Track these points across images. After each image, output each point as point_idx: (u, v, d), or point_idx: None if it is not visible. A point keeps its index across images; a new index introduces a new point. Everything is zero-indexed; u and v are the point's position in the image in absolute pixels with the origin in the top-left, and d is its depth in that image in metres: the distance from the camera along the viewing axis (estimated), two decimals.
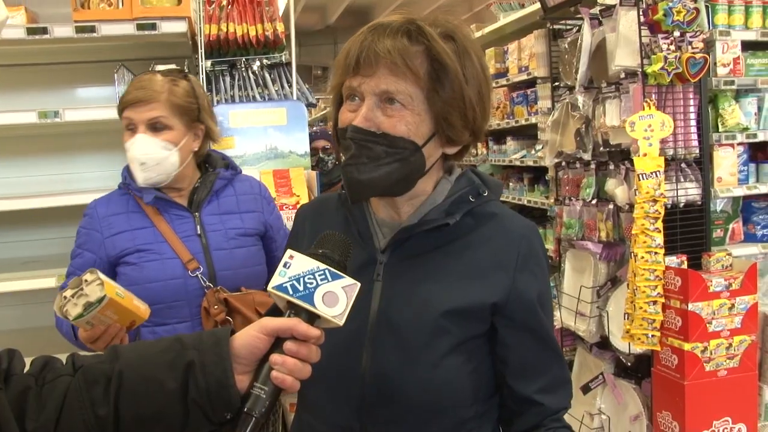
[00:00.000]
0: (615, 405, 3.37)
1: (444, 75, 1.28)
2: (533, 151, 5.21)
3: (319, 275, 1.07)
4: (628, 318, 3.08)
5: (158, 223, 2.10)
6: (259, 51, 3.27)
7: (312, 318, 1.07)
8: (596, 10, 3.41)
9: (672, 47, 3.00)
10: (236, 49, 3.20)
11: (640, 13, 3.06)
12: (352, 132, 1.28)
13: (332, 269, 1.09)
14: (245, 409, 1.03)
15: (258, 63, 3.26)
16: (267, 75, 3.24)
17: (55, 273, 2.86)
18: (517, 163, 5.46)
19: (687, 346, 2.89)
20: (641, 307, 3.00)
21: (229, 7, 3.12)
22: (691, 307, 2.89)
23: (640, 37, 3.04)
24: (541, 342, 1.40)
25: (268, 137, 3.14)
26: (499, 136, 5.95)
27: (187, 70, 2.03)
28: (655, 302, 2.99)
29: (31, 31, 2.73)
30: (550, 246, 4.69)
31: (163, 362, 1.08)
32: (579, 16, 3.53)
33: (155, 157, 2.03)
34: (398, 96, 1.27)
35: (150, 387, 1.06)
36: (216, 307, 2.06)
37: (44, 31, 2.73)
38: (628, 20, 3.12)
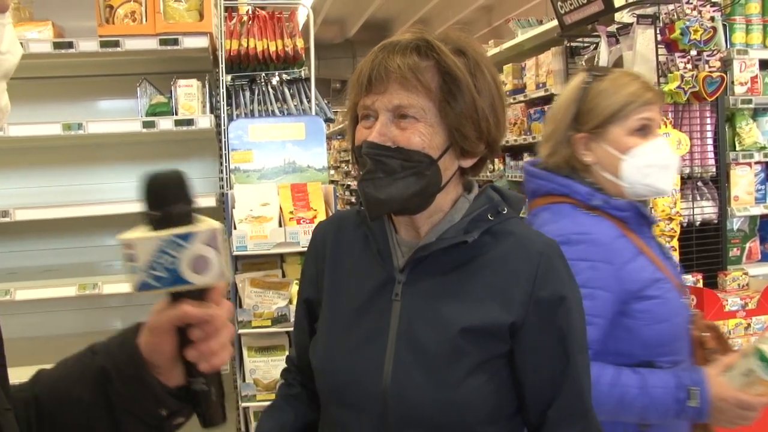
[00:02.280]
0: None
1: (455, 87, 1.29)
2: None
3: (171, 248, 0.87)
4: None
5: (638, 243, 1.73)
6: (279, 66, 3.30)
7: (198, 293, 0.91)
8: (613, 28, 3.43)
9: (689, 66, 3.02)
10: (256, 64, 3.24)
11: (657, 31, 3.08)
12: (367, 148, 1.30)
13: (178, 232, 0.87)
14: (199, 409, 0.96)
15: (277, 78, 3.30)
16: (286, 90, 3.28)
17: (75, 282, 2.90)
18: None
19: None
20: None
21: (250, 22, 3.16)
22: None
23: (657, 55, 3.06)
24: (563, 375, 1.33)
25: (287, 152, 3.17)
26: (517, 152, 5.94)
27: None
28: None
29: (57, 45, 2.79)
30: None
31: (75, 376, 1.00)
32: (596, 33, 3.55)
33: None
34: (411, 110, 1.28)
35: (67, 405, 0.98)
36: (706, 334, 1.77)
37: (70, 45, 2.79)
38: (645, 38, 3.14)
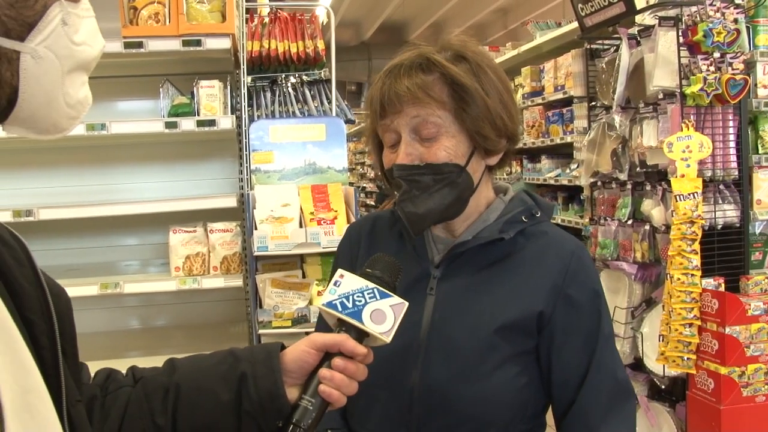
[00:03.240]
0: (648, 428, 3.33)
1: (465, 94, 1.33)
2: (568, 170, 5.20)
3: (368, 293, 1.12)
4: (663, 340, 3.05)
5: None
6: (300, 67, 3.31)
7: (361, 336, 1.11)
8: (634, 30, 3.41)
9: (712, 68, 2.99)
10: (277, 65, 3.26)
11: (680, 33, 3.05)
12: (398, 170, 1.35)
13: (381, 288, 1.13)
14: (293, 421, 1.07)
15: (298, 79, 3.31)
16: (307, 91, 3.29)
17: (97, 281, 2.92)
18: (552, 181, 5.45)
19: (723, 370, 2.85)
20: (677, 329, 2.97)
21: (271, 24, 3.17)
22: (728, 330, 2.86)
23: (679, 57, 3.04)
24: (590, 366, 1.36)
25: (307, 152, 3.18)
26: (534, 154, 5.94)
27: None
28: (690, 324, 2.96)
29: None
30: None
31: (217, 374, 1.13)
32: (617, 35, 3.53)
33: None
34: (431, 123, 1.32)
35: (205, 398, 1.11)
36: None
37: None
38: (667, 41, 3.12)
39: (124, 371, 1.18)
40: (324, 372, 1.09)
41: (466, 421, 1.33)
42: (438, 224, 1.43)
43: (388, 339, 1.10)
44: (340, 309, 1.10)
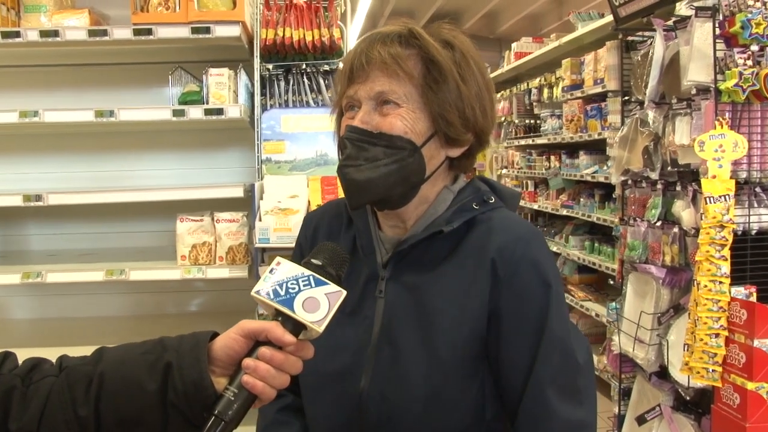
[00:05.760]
0: None
1: (438, 74, 1.28)
2: (605, 167, 5.00)
3: (303, 281, 1.05)
4: (687, 349, 2.89)
5: None
6: (318, 56, 3.24)
7: (297, 327, 1.04)
8: (671, 21, 3.22)
9: (749, 62, 2.79)
10: (293, 53, 3.19)
11: (716, 25, 2.86)
12: (349, 132, 1.28)
13: (317, 275, 1.06)
14: (215, 412, 1.01)
15: (313, 68, 3.24)
16: (321, 80, 3.21)
17: (103, 267, 2.93)
18: (589, 178, 5.25)
19: (750, 386, 2.68)
20: (702, 339, 2.81)
21: (287, 12, 3.11)
22: (756, 343, 2.68)
23: (715, 50, 2.85)
24: (539, 364, 1.26)
25: (319, 143, 3.11)
26: (573, 149, 5.75)
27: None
28: (717, 335, 2.79)
29: (92, 33, 2.80)
30: (614, 266, 4.47)
31: (143, 364, 1.08)
32: (653, 27, 3.34)
33: None
34: (392, 96, 1.27)
35: (130, 389, 1.06)
36: None
37: (104, 33, 2.79)
38: (703, 32, 2.93)
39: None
40: (248, 361, 1.02)
41: (417, 428, 1.27)
42: (383, 210, 1.35)
43: (320, 329, 1.03)
44: (272, 296, 1.04)
